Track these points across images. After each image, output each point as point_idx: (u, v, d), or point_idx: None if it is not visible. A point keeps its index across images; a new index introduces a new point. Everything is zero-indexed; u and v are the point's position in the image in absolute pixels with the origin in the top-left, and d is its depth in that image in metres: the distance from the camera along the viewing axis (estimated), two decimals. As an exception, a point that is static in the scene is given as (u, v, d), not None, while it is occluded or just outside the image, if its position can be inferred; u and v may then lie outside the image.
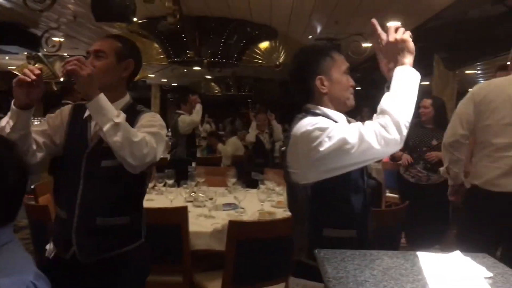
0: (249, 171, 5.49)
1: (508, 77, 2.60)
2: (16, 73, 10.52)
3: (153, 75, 12.11)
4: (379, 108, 1.42)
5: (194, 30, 5.31)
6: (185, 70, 10.04)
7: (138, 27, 5.82)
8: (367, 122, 1.41)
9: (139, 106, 1.87)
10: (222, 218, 2.86)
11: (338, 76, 1.62)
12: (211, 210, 3.00)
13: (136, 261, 1.80)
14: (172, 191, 3.43)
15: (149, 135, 1.67)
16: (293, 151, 1.53)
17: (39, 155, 1.75)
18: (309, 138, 1.44)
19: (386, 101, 1.40)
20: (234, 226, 2.31)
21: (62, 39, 6.79)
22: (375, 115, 1.47)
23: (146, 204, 3.22)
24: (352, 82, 1.65)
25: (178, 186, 3.82)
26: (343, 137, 1.37)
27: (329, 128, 1.42)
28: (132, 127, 1.66)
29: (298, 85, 1.66)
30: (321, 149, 1.39)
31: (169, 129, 5.38)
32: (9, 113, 1.61)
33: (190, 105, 5.41)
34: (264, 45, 6.85)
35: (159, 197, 3.63)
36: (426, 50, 6.13)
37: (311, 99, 1.63)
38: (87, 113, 1.74)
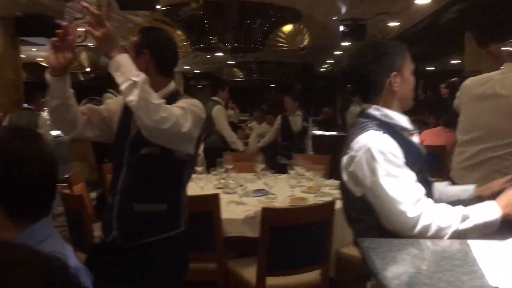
0: (275, 154, 5.47)
1: (487, 74, 2.68)
2: (44, 64, 10.70)
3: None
4: (463, 210, 1.37)
5: (217, 15, 5.25)
6: (208, 56, 10.01)
7: (161, 15, 5.80)
8: (440, 207, 1.40)
9: (184, 95, 1.91)
10: (253, 205, 2.85)
11: (408, 75, 1.58)
12: (241, 196, 2.99)
13: (172, 250, 1.80)
14: (202, 178, 3.43)
15: (175, 107, 1.67)
16: (354, 169, 1.49)
17: (90, 132, 1.82)
18: (374, 167, 1.42)
19: (467, 216, 1.36)
20: (268, 213, 2.29)
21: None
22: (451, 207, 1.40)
23: (176, 191, 3.31)
24: (415, 83, 1.63)
25: (207, 173, 3.83)
26: (406, 198, 1.37)
27: (400, 175, 1.40)
28: None
29: (364, 80, 1.58)
30: (383, 185, 1.39)
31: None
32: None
33: (226, 93, 5.39)
34: (288, 28, 6.71)
35: (190, 184, 3.64)
36: (457, 28, 5.92)
37: (374, 96, 1.57)
38: None
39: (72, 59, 1.65)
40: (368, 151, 1.42)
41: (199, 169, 3.85)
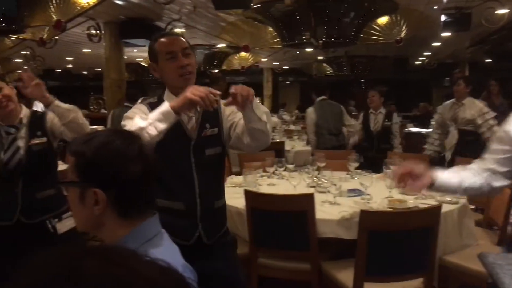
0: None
1: None
2: (144, 64, 11.39)
3: (265, 59, 12.23)
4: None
5: (309, 10, 5.17)
6: (297, 52, 9.95)
7: (253, 12, 5.85)
8: None
9: None
10: (348, 205, 2.75)
11: None
12: (335, 196, 2.90)
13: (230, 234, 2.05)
14: (294, 176, 3.39)
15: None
16: None
17: None
18: None
19: None
20: (366, 216, 2.19)
21: (183, 30, 7.13)
22: None
23: (269, 189, 3.31)
24: None
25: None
26: None
27: None
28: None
29: None
30: None
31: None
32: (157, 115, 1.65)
33: None
34: (383, 20, 6.42)
35: (281, 182, 3.63)
36: None
37: None
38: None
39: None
40: None
41: (290, 166, 3.83)
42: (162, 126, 1.60)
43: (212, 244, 1.87)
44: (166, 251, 1.06)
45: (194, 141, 1.84)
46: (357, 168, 3.68)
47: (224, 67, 10.72)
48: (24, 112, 2.37)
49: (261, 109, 1.79)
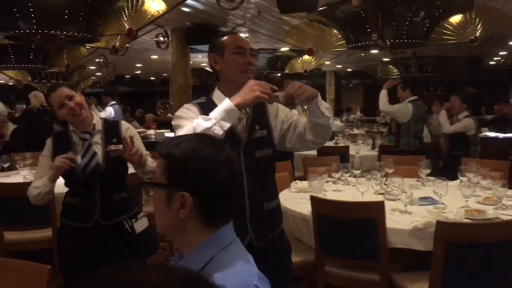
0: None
1: None
2: (208, 69, 11.63)
3: (328, 62, 12.07)
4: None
5: (377, 11, 5.01)
6: (362, 54, 9.72)
7: (317, 15, 5.78)
8: None
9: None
10: (421, 215, 2.61)
11: None
12: (406, 204, 2.77)
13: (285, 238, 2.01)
14: (361, 182, 3.29)
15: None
16: None
17: None
18: None
19: None
20: (443, 227, 2.06)
21: (247, 35, 7.20)
22: None
23: (334, 195, 3.24)
24: None
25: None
26: None
27: None
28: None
29: None
30: None
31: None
32: (220, 113, 1.66)
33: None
34: (456, 18, 6.08)
35: (347, 188, 3.54)
36: None
37: None
38: None
39: None
40: None
41: (356, 172, 3.71)
42: (227, 124, 1.59)
43: (264, 248, 1.84)
44: (241, 260, 1.04)
45: (243, 143, 1.83)
46: (428, 175, 3.51)
47: (286, 71, 10.71)
48: (96, 118, 2.46)
49: (324, 104, 1.81)
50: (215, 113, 1.60)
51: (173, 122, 1.79)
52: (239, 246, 1.11)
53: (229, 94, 1.75)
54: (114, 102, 8.19)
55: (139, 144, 2.41)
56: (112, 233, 2.35)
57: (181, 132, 1.62)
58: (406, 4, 5.06)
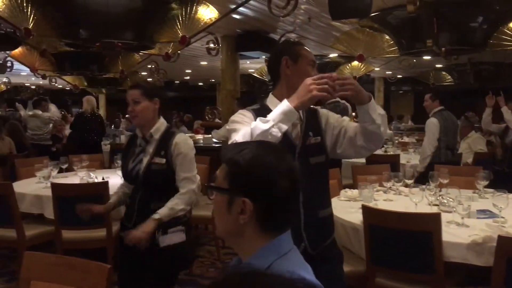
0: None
1: None
2: (256, 75, 11.73)
3: (378, 68, 11.83)
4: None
5: (432, 16, 4.87)
6: (414, 60, 9.45)
7: (370, 21, 5.69)
8: None
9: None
10: (480, 229, 2.50)
11: None
12: (463, 217, 2.66)
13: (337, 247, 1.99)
14: (414, 192, 3.18)
15: None
16: None
17: None
18: None
19: None
20: (505, 242, 1.97)
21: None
22: None
23: (386, 205, 3.15)
24: None
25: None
26: None
27: None
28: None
29: None
30: None
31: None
32: (278, 115, 1.64)
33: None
34: (518, 23, 5.80)
35: (398, 198, 3.45)
36: None
37: None
38: None
39: None
40: None
41: (409, 181, 3.61)
42: (285, 126, 1.57)
43: (318, 257, 1.81)
44: (299, 270, 1.03)
45: (298, 149, 1.82)
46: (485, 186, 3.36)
47: (334, 77, 10.57)
48: (156, 127, 2.48)
49: (378, 111, 1.76)
50: (273, 115, 1.58)
51: (227, 127, 1.81)
52: (297, 254, 1.10)
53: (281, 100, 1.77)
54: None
55: (180, 163, 2.39)
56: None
57: (237, 136, 1.61)
58: (463, 9, 4.87)
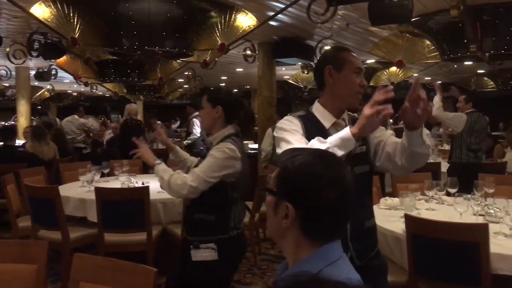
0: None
1: None
2: (291, 82, 11.72)
3: (417, 74, 11.58)
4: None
5: (475, 21, 4.73)
6: (455, 65, 9.20)
7: (409, 26, 5.59)
8: None
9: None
10: (530, 241, 2.40)
11: None
12: (511, 228, 2.56)
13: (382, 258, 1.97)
14: (459, 202, 3.09)
15: None
16: None
17: None
18: None
19: None
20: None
21: (333, 47, 7.13)
22: None
23: (428, 214, 3.07)
24: None
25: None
26: None
27: None
28: None
29: None
30: None
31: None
32: (336, 140, 1.61)
33: None
34: None
35: (441, 207, 3.35)
36: None
37: None
38: (328, 124, 1.81)
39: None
40: None
41: (452, 190, 3.50)
42: (340, 152, 1.55)
43: (363, 267, 1.78)
44: (350, 277, 1.02)
45: (344, 159, 1.80)
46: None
47: (371, 83, 10.45)
48: (219, 134, 2.46)
49: (424, 131, 1.67)
50: (332, 138, 1.59)
51: (276, 134, 1.80)
52: (347, 262, 1.09)
53: (330, 108, 1.79)
54: (197, 113, 8.49)
55: (204, 161, 2.37)
56: (186, 247, 2.43)
57: (287, 147, 1.61)
58: (508, 13, 4.71)
